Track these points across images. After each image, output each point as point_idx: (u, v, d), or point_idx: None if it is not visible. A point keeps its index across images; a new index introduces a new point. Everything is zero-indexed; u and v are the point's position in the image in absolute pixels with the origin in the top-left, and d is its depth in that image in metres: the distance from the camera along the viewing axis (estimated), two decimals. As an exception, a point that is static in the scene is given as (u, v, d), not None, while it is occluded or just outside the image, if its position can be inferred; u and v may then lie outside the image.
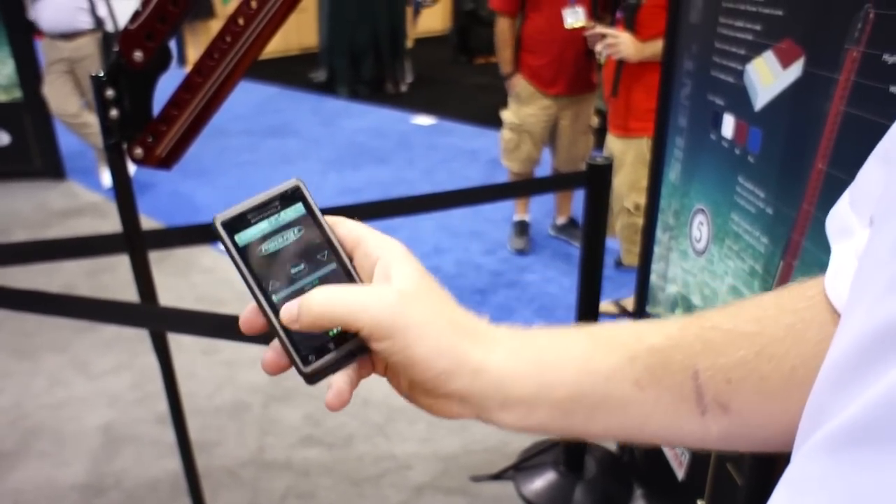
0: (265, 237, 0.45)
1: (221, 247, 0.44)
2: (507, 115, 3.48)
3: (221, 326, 1.41)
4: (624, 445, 2.10)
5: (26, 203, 4.51)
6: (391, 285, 0.42)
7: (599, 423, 0.43)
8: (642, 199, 2.40)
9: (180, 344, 2.71)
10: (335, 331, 0.44)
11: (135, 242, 1.44)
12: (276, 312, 0.44)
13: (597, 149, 3.69)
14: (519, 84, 3.36)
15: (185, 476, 1.85)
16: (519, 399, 0.42)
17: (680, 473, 1.66)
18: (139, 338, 2.80)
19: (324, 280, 0.45)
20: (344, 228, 0.46)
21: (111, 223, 3.30)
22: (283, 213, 0.45)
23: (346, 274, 0.45)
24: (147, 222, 3.88)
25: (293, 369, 0.45)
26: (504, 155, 3.56)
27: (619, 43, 2.57)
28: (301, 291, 0.44)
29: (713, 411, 0.42)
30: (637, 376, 0.42)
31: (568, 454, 2.08)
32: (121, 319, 1.58)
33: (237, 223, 0.44)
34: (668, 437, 0.44)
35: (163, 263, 3.41)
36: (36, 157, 4.88)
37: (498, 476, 2.14)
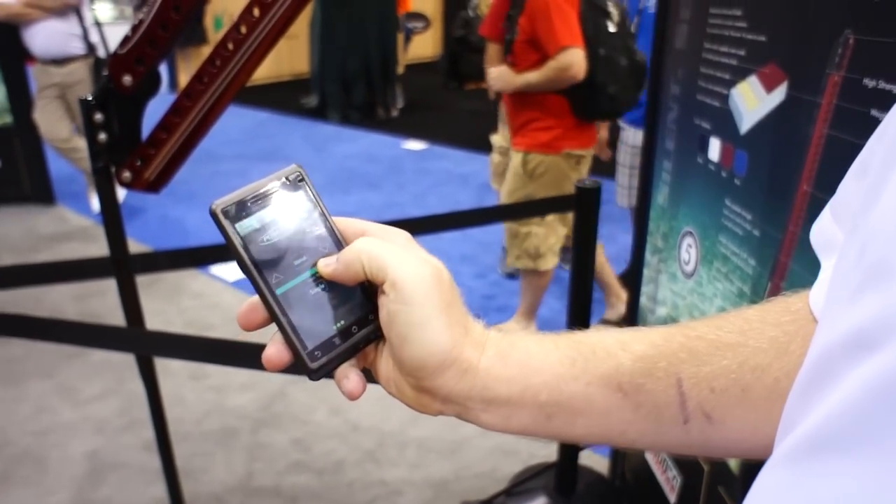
0: (267, 226, 0.43)
1: (220, 234, 0.42)
2: (495, 138, 3.52)
3: (209, 351, 1.40)
4: (615, 469, 2.09)
5: (15, 228, 4.49)
6: (429, 260, 0.43)
7: (581, 428, 0.44)
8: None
9: (168, 369, 2.68)
10: (340, 324, 0.43)
11: (122, 266, 1.44)
12: (280, 306, 0.42)
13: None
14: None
15: (171, 503, 1.82)
16: (503, 400, 0.43)
17: (672, 497, 1.64)
18: (127, 363, 2.77)
19: None
20: (344, 226, 0.46)
21: (100, 248, 3.29)
22: (284, 201, 0.43)
23: None
24: (137, 247, 3.87)
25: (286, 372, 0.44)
26: (493, 178, 3.58)
27: (492, 77, 2.68)
28: (305, 284, 0.43)
29: (696, 419, 0.42)
30: (620, 382, 0.43)
31: (559, 479, 2.06)
32: (107, 344, 1.57)
33: (238, 211, 0.42)
34: (650, 443, 0.44)
35: (151, 288, 3.39)
36: (26, 181, 4.87)
37: (489, 502, 2.12)
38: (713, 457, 0.45)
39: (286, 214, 0.43)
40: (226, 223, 0.42)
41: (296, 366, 0.43)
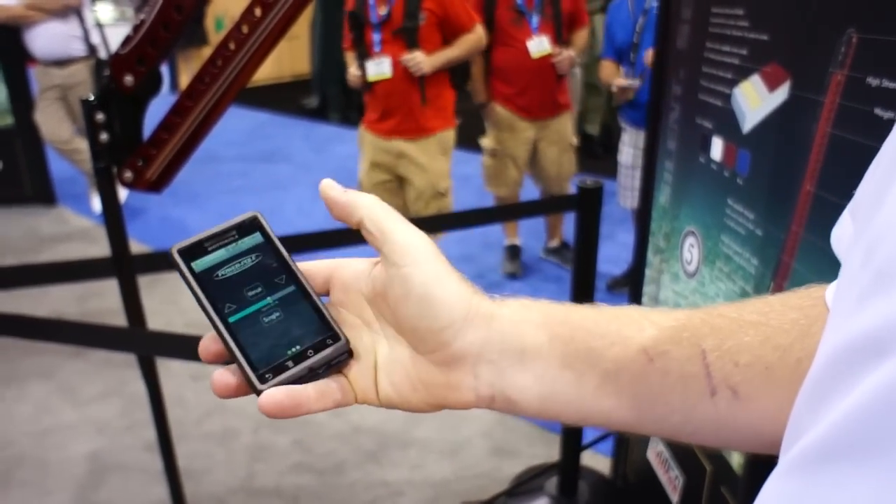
0: (222, 263, 0.45)
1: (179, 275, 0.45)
2: (486, 141, 3.55)
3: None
4: (617, 470, 2.08)
5: (16, 228, 4.49)
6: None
7: (611, 395, 0.42)
8: (448, 182, 3.06)
9: (169, 370, 2.68)
10: (295, 349, 0.44)
11: (123, 265, 1.43)
12: (231, 332, 0.43)
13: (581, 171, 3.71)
14: (496, 111, 3.44)
15: (173, 504, 1.82)
16: (535, 351, 0.42)
17: (674, 498, 1.64)
18: (128, 364, 2.77)
19: (282, 301, 0.45)
20: (312, 266, 0.47)
21: (101, 249, 3.29)
22: (240, 242, 0.46)
23: (303, 294, 0.46)
24: (138, 247, 3.86)
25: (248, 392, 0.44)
26: (488, 182, 3.60)
27: (419, 62, 2.79)
28: (259, 312, 0.44)
29: (723, 394, 0.41)
30: (645, 346, 0.42)
31: (561, 480, 2.06)
32: (108, 344, 1.57)
33: (194, 251, 0.45)
34: (680, 419, 0.42)
35: (152, 289, 3.38)
36: (27, 182, 4.87)
37: (490, 503, 2.11)
38: (741, 443, 0.43)
39: (241, 253, 0.46)
40: (180, 261, 0.44)
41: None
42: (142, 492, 2.21)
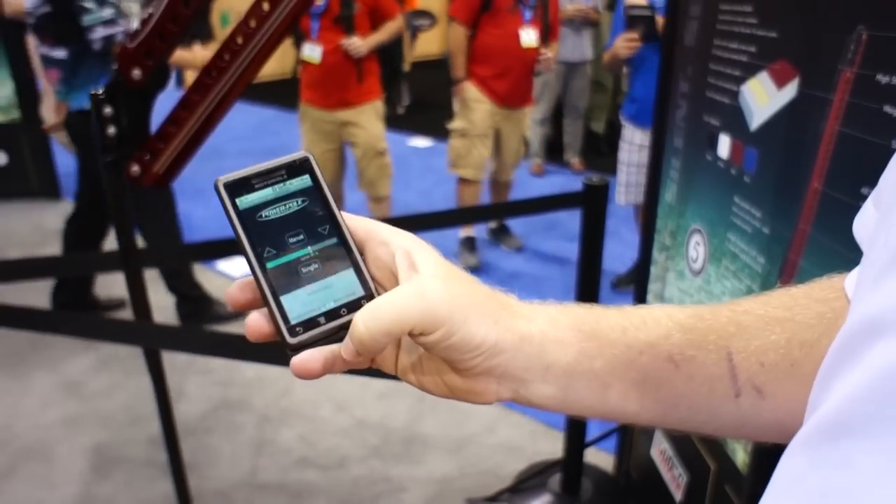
0: (267, 203, 0.43)
1: (223, 211, 0.43)
2: (455, 124, 3.63)
3: (216, 344, 1.40)
4: (621, 467, 2.08)
5: (22, 222, 4.50)
6: (423, 276, 0.41)
7: (634, 401, 0.43)
8: (385, 144, 3.50)
9: (174, 364, 2.69)
10: (329, 305, 0.43)
11: (130, 259, 1.44)
12: (268, 278, 0.42)
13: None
14: (469, 90, 3.52)
15: (177, 498, 1.83)
16: (561, 368, 0.42)
17: (678, 495, 1.64)
18: (133, 357, 2.78)
19: (322, 252, 0.44)
20: (352, 220, 0.45)
21: (106, 244, 3.30)
22: (288, 183, 0.44)
23: (345, 248, 0.44)
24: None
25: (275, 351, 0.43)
26: (456, 163, 3.68)
27: (358, 46, 3.22)
28: (297, 261, 0.43)
29: (748, 394, 0.41)
30: (671, 353, 0.42)
31: (564, 476, 2.06)
32: (114, 337, 1.57)
33: (240, 186, 0.43)
34: (703, 420, 0.43)
35: (159, 283, 3.39)
36: (33, 177, 4.87)
37: (493, 499, 2.12)
38: (765, 437, 0.44)
39: (288, 195, 0.44)
40: (225, 196, 0.43)
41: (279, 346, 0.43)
42: (146, 486, 2.22)
